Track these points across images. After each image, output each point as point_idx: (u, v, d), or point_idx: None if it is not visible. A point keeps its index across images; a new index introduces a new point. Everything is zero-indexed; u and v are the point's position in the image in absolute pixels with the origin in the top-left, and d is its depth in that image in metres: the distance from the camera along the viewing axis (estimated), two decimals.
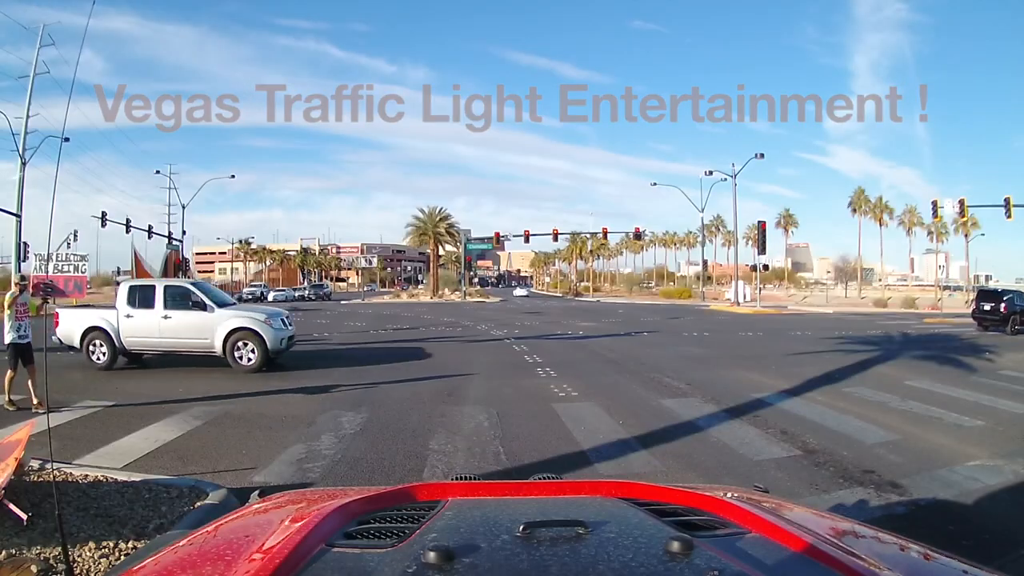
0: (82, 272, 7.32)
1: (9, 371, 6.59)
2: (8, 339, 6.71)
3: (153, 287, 10.36)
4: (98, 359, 9.94)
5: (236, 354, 9.78)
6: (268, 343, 9.77)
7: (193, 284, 11.05)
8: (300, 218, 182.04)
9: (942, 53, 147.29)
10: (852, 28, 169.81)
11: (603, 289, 77.85)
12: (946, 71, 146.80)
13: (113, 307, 10.09)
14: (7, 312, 6.81)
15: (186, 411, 6.63)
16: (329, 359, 11.65)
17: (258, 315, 10.09)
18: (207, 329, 9.89)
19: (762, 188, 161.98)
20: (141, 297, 10.10)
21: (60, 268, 7.17)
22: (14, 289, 6.92)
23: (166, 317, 9.92)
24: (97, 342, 9.96)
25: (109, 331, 9.88)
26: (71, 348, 10.18)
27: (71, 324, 10.04)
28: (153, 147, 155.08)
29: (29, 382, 6.72)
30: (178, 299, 10.12)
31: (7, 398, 6.61)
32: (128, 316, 9.93)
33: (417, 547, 0.82)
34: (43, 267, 7.15)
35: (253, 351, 9.75)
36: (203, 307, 10.01)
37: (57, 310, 10.73)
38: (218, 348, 9.82)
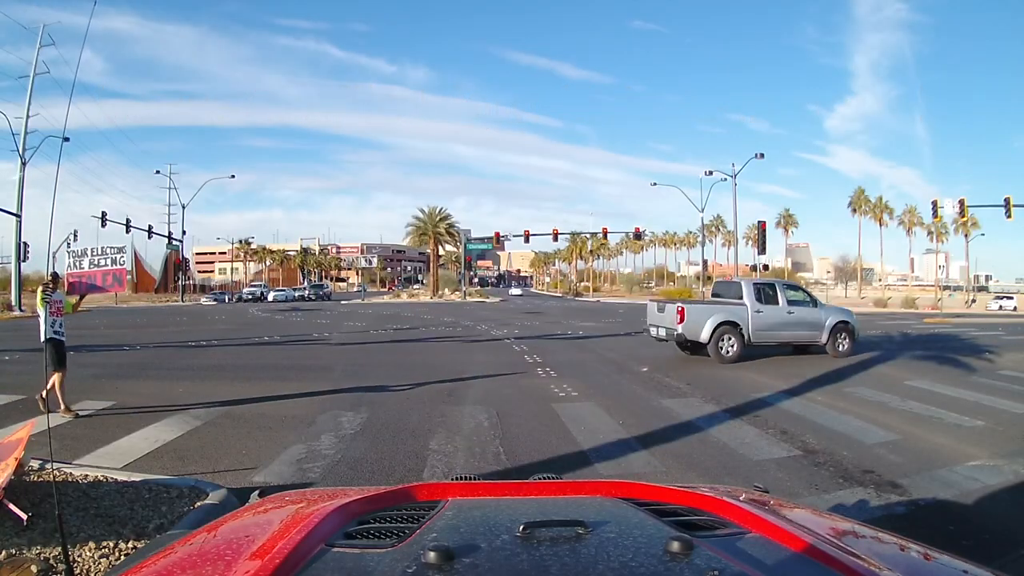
0: (120, 264, 6.98)
1: (56, 373, 6.34)
2: (45, 335, 6.40)
3: (775, 285, 11.80)
4: (726, 352, 10.77)
5: (836, 344, 11.36)
6: (856, 334, 11.64)
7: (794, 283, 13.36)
8: (300, 218, 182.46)
9: (942, 53, 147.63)
10: (852, 28, 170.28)
11: (603, 289, 77.87)
12: (946, 71, 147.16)
13: (741, 303, 11.08)
14: (41, 308, 6.49)
15: (186, 411, 6.63)
16: (329, 359, 11.66)
17: (848, 310, 12.19)
18: (818, 323, 11.37)
19: (762, 188, 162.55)
20: (766, 294, 11.31)
21: (96, 262, 6.87)
22: (47, 284, 6.60)
23: (790, 312, 11.21)
24: (728, 336, 10.79)
25: (741, 326, 10.78)
26: (688, 342, 11.11)
27: (700, 319, 10.82)
28: (153, 147, 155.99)
29: (57, 386, 6.43)
30: (794, 296, 11.69)
31: (62, 406, 6.34)
32: (758, 312, 10.98)
33: (417, 547, 0.82)
34: (77, 262, 6.87)
35: (846, 340, 11.50)
36: (815, 304, 11.72)
37: (683, 305, 11.28)
38: (824, 339, 11.35)
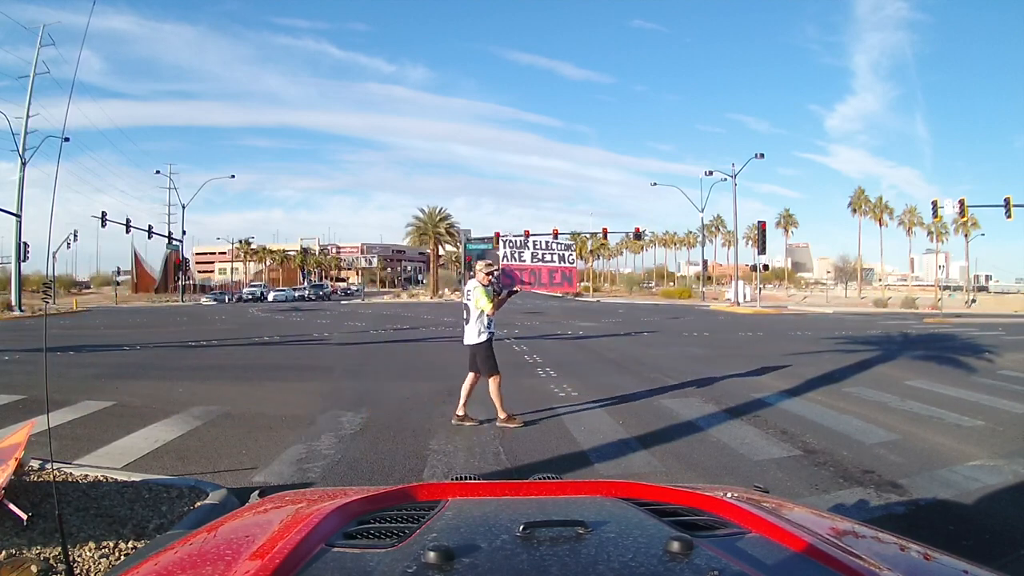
0: (571, 262, 6.08)
1: (493, 377, 5.88)
2: (479, 336, 5.81)
3: None
4: None
5: None
6: None
7: None
8: (300, 218, 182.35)
9: (942, 53, 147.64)
10: (852, 28, 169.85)
11: (603, 289, 77.77)
12: (946, 71, 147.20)
13: None
14: (480, 304, 5.74)
15: (186, 411, 6.62)
16: (330, 359, 11.65)
17: None
18: None
19: (762, 188, 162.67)
20: None
21: (541, 256, 6.05)
22: (482, 279, 5.88)
23: None
24: None
25: None
26: None
27: None
28: (153, 147, 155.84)
29: (496, 391, 5.95)
30: None
31: (504, 414, 5.91)
32: None
33: (417, 547, 0.83)
34: (516, 255, 6.06)
35: None
36: None
37: None
38: None
